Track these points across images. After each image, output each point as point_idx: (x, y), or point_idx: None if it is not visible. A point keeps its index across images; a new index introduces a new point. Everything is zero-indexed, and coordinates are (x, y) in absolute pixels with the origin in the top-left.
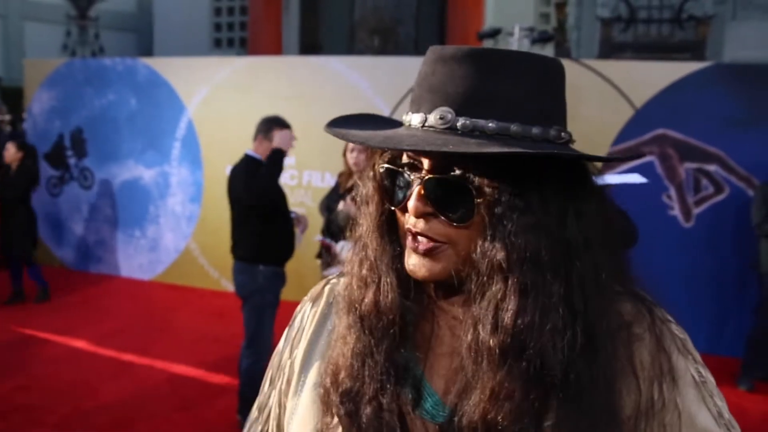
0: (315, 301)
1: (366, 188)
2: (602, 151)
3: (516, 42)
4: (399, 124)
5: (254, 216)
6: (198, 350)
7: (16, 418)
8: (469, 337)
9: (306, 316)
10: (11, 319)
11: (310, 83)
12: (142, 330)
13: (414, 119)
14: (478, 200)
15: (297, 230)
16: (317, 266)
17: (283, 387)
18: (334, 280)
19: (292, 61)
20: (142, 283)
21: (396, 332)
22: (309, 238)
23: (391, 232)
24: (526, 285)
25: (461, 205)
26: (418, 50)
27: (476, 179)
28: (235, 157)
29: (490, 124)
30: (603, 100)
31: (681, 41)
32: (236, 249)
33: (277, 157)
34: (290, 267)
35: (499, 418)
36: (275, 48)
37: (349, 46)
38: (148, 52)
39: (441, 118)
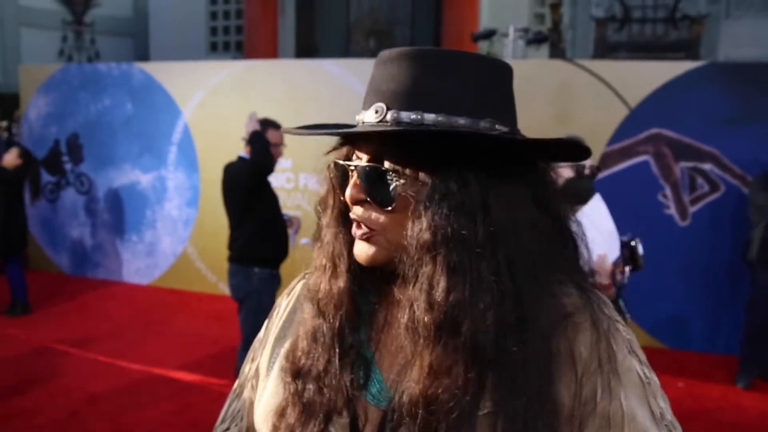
0: (289, 293)
1: (324, 185)
2: (596, 152)
3: (511, 43)
4: None
5: (248, 217)
6: (196, 354)
7: (13, 424)
8: (406, 317)
9: (281, 307)
10: (8, 324)
11: (305, 86)
12: (140, 334)
13: (358, 118)
14: (399, 185)
15: (290, 231)
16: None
17: (253, 372)
18: (308, 274)
19: (288, 64)
20: (139, 287)
21: (343, 315)
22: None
23: (345, 223)
24: (455, 263)
25: (386, 190)
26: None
27: (400, 167)
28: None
29: (413, 116)
30: (597, 100)
31: (675, 40)
32: (231, 251)
33: (257, 137)
34: (285, 269)
35: (438, 392)
36: (271, 51)
37: (345, 48)
38: (145, 56)
39: (376, 113)
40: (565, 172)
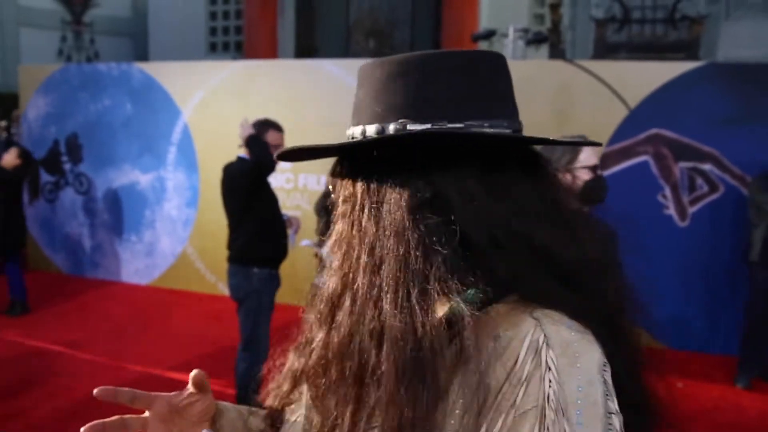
0: None
1: None
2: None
3: (511, 43)
4: None
5: (248, 218)
6: (195, 354)
7: (13, 424)
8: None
9: None
10: (7, 324)
11: (305, 86)
12: (139, 334)
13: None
14: (336, 197)
15: (289, 231)
16: (312, 268)
17: None
18: None
19: (288, 64)
20: (139, 287)
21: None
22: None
23: None
24: (336, 264)
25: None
26: (413, 52)
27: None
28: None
29: (357, 135)
30: (597, 101)
31: (675, 41)
32: (230, 251)
33: (254, 140)
34: (284, 269)
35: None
36: (271, 51)
37: (345, 48)
38: (144, 56)
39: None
40: (582, 174)
